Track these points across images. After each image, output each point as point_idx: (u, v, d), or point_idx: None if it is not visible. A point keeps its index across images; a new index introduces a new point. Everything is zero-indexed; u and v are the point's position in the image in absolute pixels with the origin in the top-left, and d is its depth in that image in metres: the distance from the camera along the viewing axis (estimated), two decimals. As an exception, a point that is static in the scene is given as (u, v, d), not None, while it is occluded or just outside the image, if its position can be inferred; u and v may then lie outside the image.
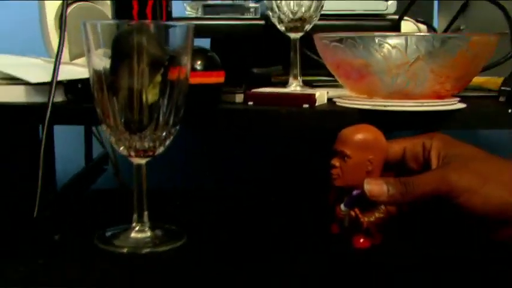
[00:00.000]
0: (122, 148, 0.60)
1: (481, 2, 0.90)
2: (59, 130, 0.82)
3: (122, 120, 0.58)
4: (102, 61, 0.57)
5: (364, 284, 0.57)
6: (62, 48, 0.69)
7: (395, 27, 0.90)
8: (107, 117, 0.58)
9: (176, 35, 0.59)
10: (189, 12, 0.98)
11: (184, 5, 0.98)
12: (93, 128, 1.05)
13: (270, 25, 0.86)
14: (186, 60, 0.59)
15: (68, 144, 0.96)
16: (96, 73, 0.58)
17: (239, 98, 0.72)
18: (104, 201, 0.83)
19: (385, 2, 0.90)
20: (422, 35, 0.71)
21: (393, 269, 0.59)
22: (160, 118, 0.58)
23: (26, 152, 0.81)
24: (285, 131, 0.68)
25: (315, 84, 0.87)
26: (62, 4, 0.70)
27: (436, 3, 1.09)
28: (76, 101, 0.71)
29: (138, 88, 0.56)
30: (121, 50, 0.56)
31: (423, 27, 0.97)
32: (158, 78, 0.57)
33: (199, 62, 0.67)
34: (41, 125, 0.83)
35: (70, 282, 0.54)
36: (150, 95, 0.57)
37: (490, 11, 0.88)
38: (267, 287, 0.55)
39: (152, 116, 0.58)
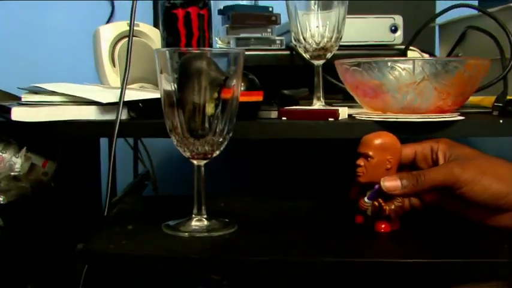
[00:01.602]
0: (186, 152, 0.72)
1: (476, 32, 1.01)
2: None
3: (187, 129, 0.70)
4: (170, 81, 0.70)
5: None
6: (128, 76, 0.82)
7: (402, 55, 1.03)
8: (175, 127, 0.71)
9: (230, 60, 0.71)
10: (220, 45, 1.09)
11: (216, 38, 1.10)
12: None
13: (294, 54, 0.99)
14: (237, 80, 0.72)
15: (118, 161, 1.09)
16: (166, 91, 0.70)
17: (274, 114, 0.85)
18: (149, 205, 0.97)
19: (393, 34, 1.04)
20: (427, 59, 0.82)
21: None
22: (218, 127, 0.71)
23: (88, 162, 0.94)
24: (314, 140, 0.80)
25: (334, 104, 0.99)
26: (128, 41, 0.83)
27: (437, 34, 1.22)
28: (138, 118, 0.83)
29: (200, 103, 0.69)
30: (187, 72, 0.69)
31: (426, 55, 1.09)
32: (215, 94, 0.70)
33: (242, 83, 0.79)
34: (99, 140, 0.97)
35: (148, 256, 0.69)
36: (209, 109, 0.70)
37: (484, 40, 0.98)
38: (305, 267, 0.67)
39: (211, 125, 0.70)
